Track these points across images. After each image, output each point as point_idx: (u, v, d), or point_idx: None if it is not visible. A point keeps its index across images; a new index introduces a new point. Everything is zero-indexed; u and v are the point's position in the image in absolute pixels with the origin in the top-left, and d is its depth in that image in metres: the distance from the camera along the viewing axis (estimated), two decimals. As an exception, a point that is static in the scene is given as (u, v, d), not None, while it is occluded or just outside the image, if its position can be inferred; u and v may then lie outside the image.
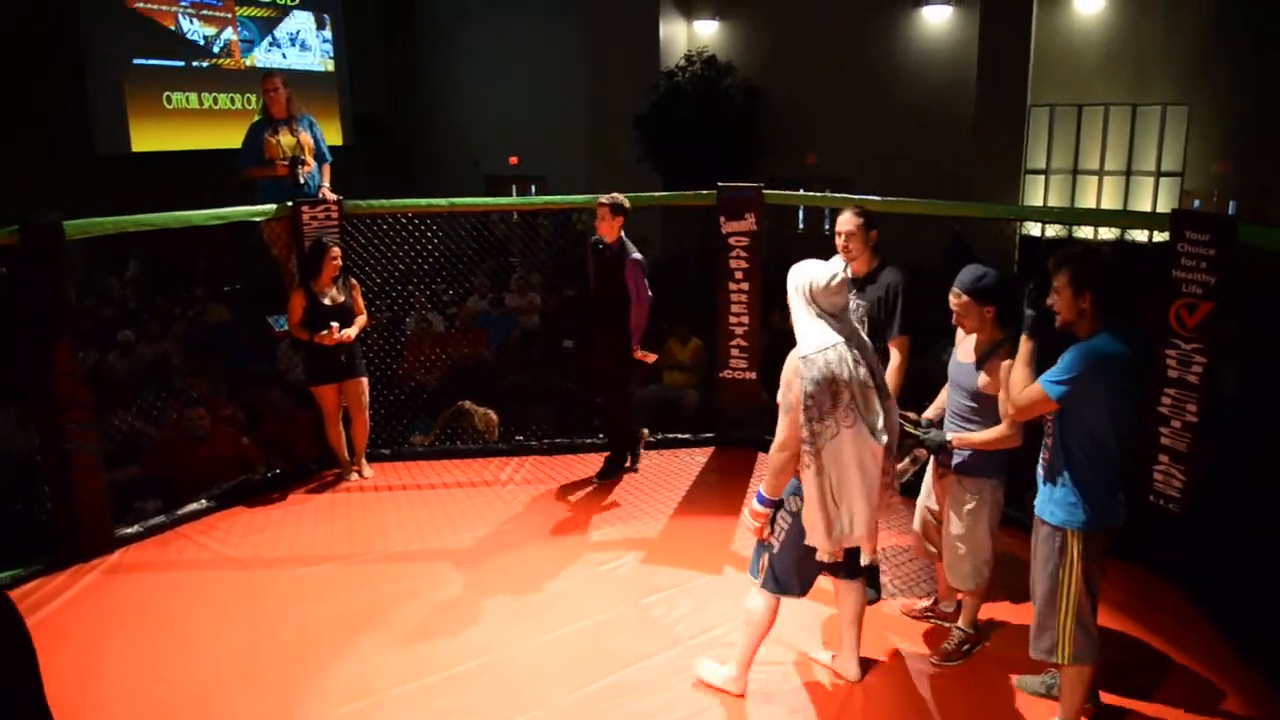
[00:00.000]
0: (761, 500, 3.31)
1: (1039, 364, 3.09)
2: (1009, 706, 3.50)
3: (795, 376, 3.11)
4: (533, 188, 15.15)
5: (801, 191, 6.58)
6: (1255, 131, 11.41)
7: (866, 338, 3.28)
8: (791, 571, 3.37)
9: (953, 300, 3.51)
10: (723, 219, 5.74)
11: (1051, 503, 3.07)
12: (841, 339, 3.11)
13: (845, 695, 3.58)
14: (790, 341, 3.22)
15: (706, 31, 14.45)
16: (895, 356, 4.02)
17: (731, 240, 5.70)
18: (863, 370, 3.12)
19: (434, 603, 4.33)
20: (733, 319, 5.96)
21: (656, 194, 6.55)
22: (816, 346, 3.08)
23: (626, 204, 5.32)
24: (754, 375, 6.01)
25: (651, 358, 5.62)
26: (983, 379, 3.48)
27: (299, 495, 5.61)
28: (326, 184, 5.97)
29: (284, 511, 5.40)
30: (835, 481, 3.13)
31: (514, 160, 15.77)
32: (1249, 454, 4.96)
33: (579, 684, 3.67)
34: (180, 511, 5.24)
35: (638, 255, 5.40)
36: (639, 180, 11.89)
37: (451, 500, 5.54)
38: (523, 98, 15.33)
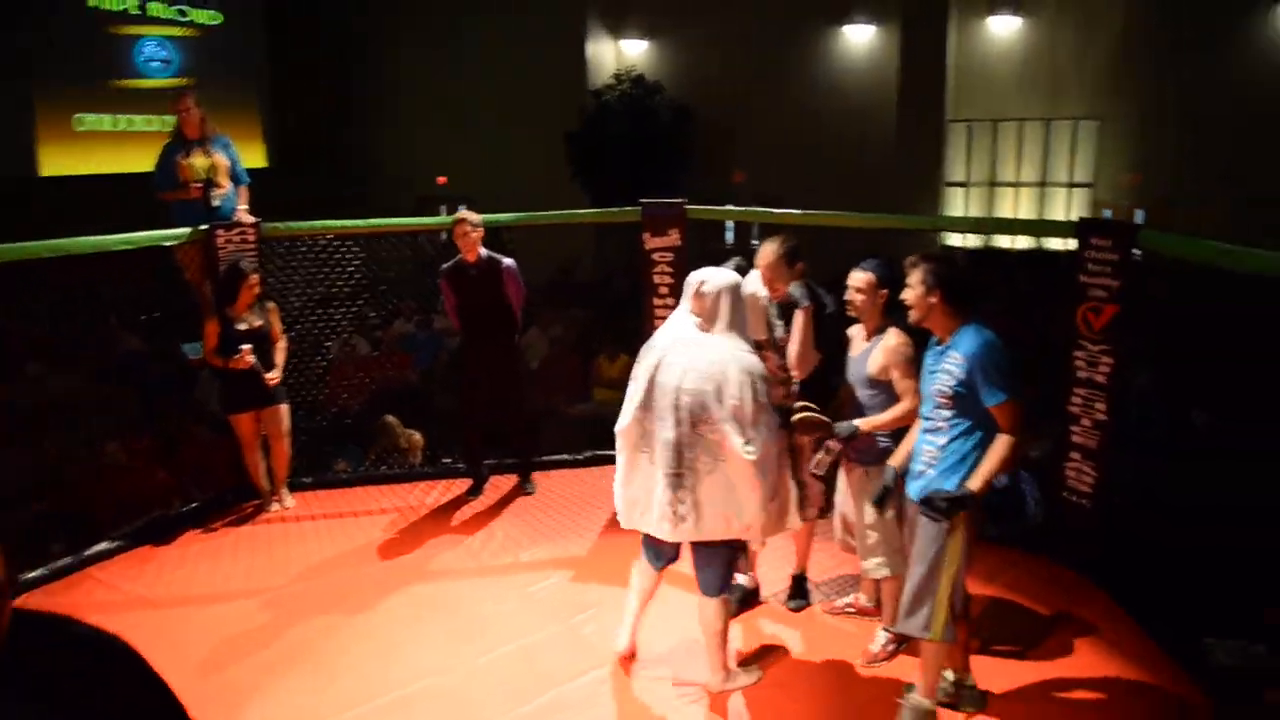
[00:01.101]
0: None
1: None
2: (934, 710, 3.53)
3: None
4: (460, 207, 15.05)
5: (725, 206, 6.63)
6: (1162, 144, 11.89)
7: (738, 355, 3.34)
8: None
9: (859, 278, 3.66)
10: (647, 235, 5.76)
11: (944, 489, 3.14)
12: (676, 339, 3.36)
13: (779, 704, 3.58)
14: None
15: (635, 51, 14.56)
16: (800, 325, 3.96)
17: (656, 256, 5.71)
18: (672, 377, 3.27)
19: (362, 632, 4.23)
20: (659, 334, 5.94)
21: (581, 211, 6.56)
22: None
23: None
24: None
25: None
26: (874, 365, 3.62)
27: (217, 529, 5.44)
28: (244, 206, 5.84)
29: (201, 546, 5.23)
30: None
31: (442, 180, 15.64)
32: (1161, 461, 5.11)
33: (514, 706, 3.62)
34: (88, 551, 5.00)
35: (511, 260, 5.53)
36: (569, 198, 11.90)
37: (376, 527, 5.43)
38: (452, 117, 15.23)
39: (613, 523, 5.25)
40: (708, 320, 3.36)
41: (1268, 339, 5.48)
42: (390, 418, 6.42)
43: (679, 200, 5.80)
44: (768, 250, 3.94)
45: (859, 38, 13.32)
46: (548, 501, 5.75)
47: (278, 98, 15.67)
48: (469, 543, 5.17)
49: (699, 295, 3.37)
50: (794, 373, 3.93)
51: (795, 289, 3.90)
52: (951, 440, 3.15)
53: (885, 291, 3.63)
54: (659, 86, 13.42)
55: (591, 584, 4.60)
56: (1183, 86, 11.58)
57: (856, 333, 3.82)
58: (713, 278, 3.40)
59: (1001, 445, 3.07)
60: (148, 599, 4.63)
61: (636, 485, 3.44)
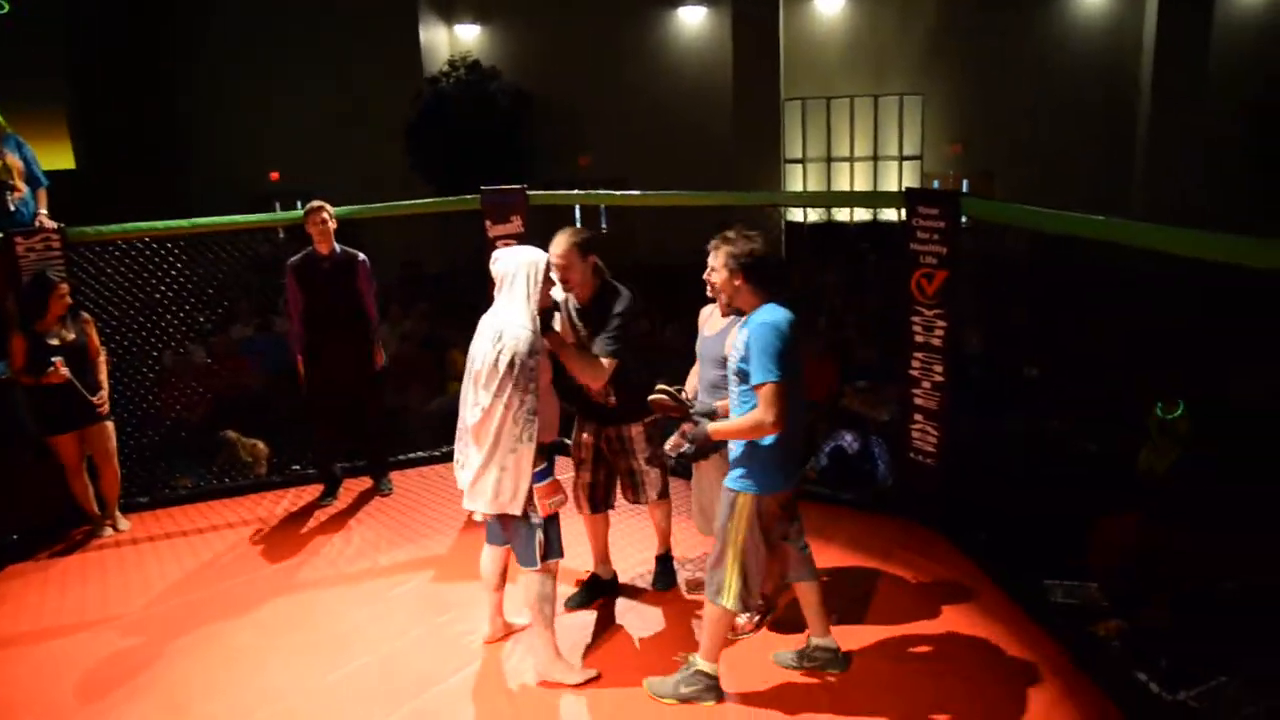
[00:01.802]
0: None
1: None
2: (792, 677, 3.63)
3: None
4: (298, 203, 14.38)
5: (570, 191, 6.56)
6: (981, 116, 12.62)
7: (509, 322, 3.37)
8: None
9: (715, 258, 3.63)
10: (488, 223, 5.66)
11: (732, 467, 3.28)
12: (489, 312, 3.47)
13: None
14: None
15: (469, 36, 14.27)
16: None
17: (499, 244, 5.60)
18: (476, 346, 3.44)
19: (215, 655, 3.99)
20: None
21: (421, 201, 6.36)
22: None
23: None
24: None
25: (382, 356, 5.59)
26: (730, 345, 3.60)
27: (42, 561, 5.02)
28: (44, 211, 5.39)
29: (24, 581, 4.81)
30: None
31: (275, 176, 14.91)
32: (996, 420, 5.42)
33: (375, 718, 3.48)
34: (-111, 596, 4.54)
35: (364, 256, 5.41)
36: (409, 189, 11.59)
37: (223, 543, 5.14)
38: (286, 110, 14.54)
39: (473, 518, 5.16)
40: (499, 292, 3.48)
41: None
42: (231, 433, 6.08)
43: (519, 186, 5.72)
44: (559, 242, 3.76)
45: (692, 19, 13.50)
46: (405, 501, 5.60)
47: (86, 94, 14.50)
48: (325, 550, 4.97)
49: (494, 269, 3.51)
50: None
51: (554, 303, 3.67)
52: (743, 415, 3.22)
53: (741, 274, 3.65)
54: (496, 72, 13.20)
55: (455, 582, 4.50)
56: (996, 62, 12.32)
57: (711, 311, 3.81)
58: (504, 255, 3.51)
59: (749, 417, 3.13)
60: (-36, 644, 4.23)
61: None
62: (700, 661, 3.45)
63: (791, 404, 3.13)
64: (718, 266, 3.26)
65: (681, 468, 4.74)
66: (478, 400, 3.37)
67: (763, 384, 3.07)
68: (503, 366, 3.29)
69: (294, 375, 5.54)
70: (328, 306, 5.29)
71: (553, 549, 3.57)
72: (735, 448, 3.27)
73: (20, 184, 5.31)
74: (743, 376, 3.18)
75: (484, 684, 3.65)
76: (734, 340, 3.27)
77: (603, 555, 4.29)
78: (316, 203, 5.27)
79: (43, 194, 5.46)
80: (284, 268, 5.34)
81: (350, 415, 5.56)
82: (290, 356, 5.54)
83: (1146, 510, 4.22)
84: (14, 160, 5.32)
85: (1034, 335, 6.49)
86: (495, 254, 3.55)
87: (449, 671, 3.74)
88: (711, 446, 3.34)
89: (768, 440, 3.17)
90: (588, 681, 3.61)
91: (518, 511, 3.43)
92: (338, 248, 5.31)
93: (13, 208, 5.22)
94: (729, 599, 3.30)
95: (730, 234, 3.25)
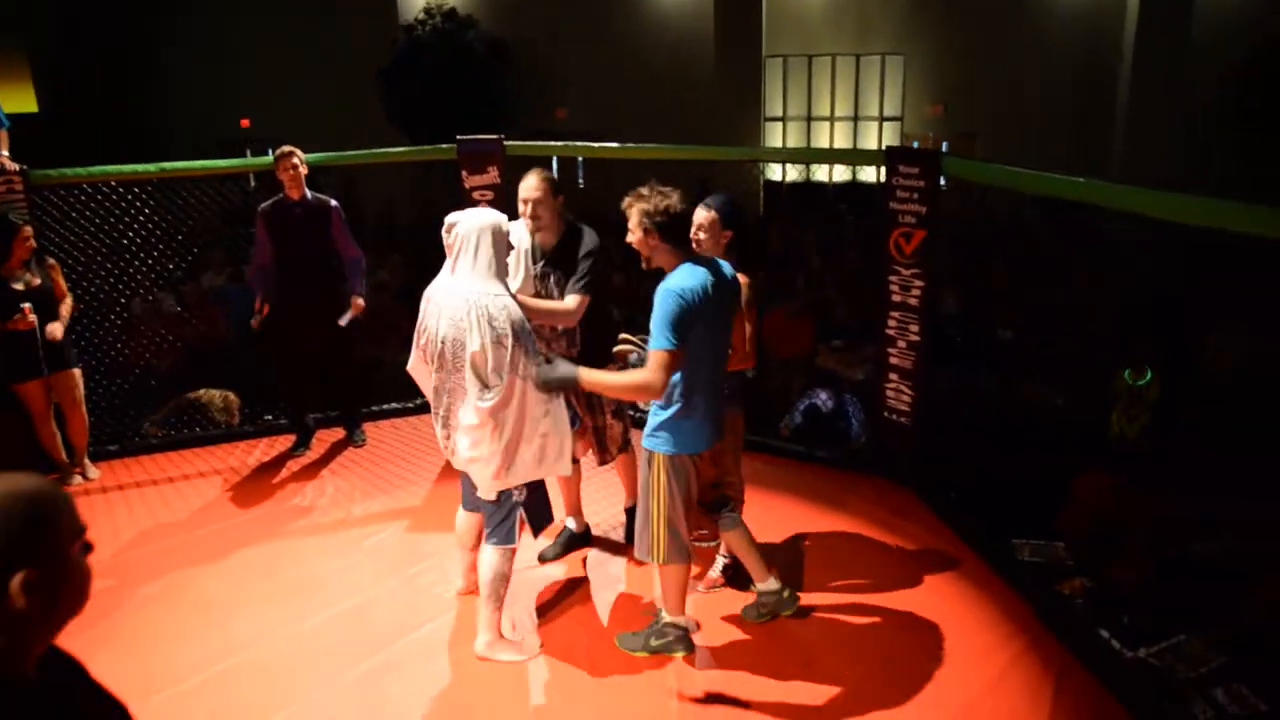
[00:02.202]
0: None
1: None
2: (763, 630, 3.68)
3: None
4: (269, 150, 14.09)
5: (548, 142, 6.46)
6: (962, 78, 12.55)
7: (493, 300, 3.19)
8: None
9: (703, 215, 3.54)
10: (465, 173, 5.58)
11: (647, 426, 3.26)
12: (441, 283, 3.26)
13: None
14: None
15: (445, -18, 13.93)
16: (570, 302, 3.73)
17: (475, 195, 5.54)
18: (433, 322, 3.23)
19: (184, 604, 3.98)
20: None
21: (395, 150, 6.25)
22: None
23: None
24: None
25: (363, 303, 5.38)
26: None
27: (8, 507, 4.95)
28: (5, 153, 5.23)
29: (-10, 527, 4.75)
30: None
31: (246, 123, 14.59)
32: (970, 379, 5.46)
33: (345, 667, 3.49)
34: None
35: (336, 202, 5.30)
36: (385, 138, 11.39)
37: (194, 492, 5.10)
38: (258, 56, 14.18)
39: (447, 469, 5.16)
40: (458, 261, 3.24)
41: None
42: (199, 394, 5.98)
43: (495, 136, 5.63)
44: (531, 177, 3.68)
45: (675, -29, 13.29)
46: (379, 452, 5.58)
47: (49, 35, 14.07)
48: (298, 500, 4.95)
49: (450, 236, 3.26)
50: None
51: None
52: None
53: (729, 233, 3.56)
54: (472, 20, 12.93)
55: (428, 533, 4.50)
56: (978, 24, 12.23)
57: None
58: (464, 218, 3.27)
59: (634, 376, 3.09)
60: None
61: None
62: (667, 615, 3.47)
63: (703, 369, 3.11)
64: (633, 226, 3.14)
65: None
66: (487, 384, 3.16)
67: (656, 350, 3.00)
68: (509, 342, 3.13)
69: (265, 325, 5.42)
70: (299, 253, 5.21)
71: (544, 518, 3.55)
72: (652, 406, 3.22)
73: (-22, 126, 5.16)
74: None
75: (456, 635, 3.66)
76: None
77: (575, 507, 4.30)
78: (287, 148, 5.17)
79: (3, 135, 5.30)
80: (254, 215, 5.25)
81: (322, 364, 5.50)
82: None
83: (1124, 474, 4.28)
84: (-28, 99, 5.17)
85: (1010, 297, 6.51)
86: (449, 219, 3.30)
87: (421, 622, 3.75)
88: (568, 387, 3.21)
89: (676, 403, 3.13)
90: (523, 659, 3.51)
91: (567, 472, 3.45)
92: (309, 194, 5.22)
93: (-31, 149, 5.08)
94: (660, 556, 3.28)
95: (644, 190, 3.12)
